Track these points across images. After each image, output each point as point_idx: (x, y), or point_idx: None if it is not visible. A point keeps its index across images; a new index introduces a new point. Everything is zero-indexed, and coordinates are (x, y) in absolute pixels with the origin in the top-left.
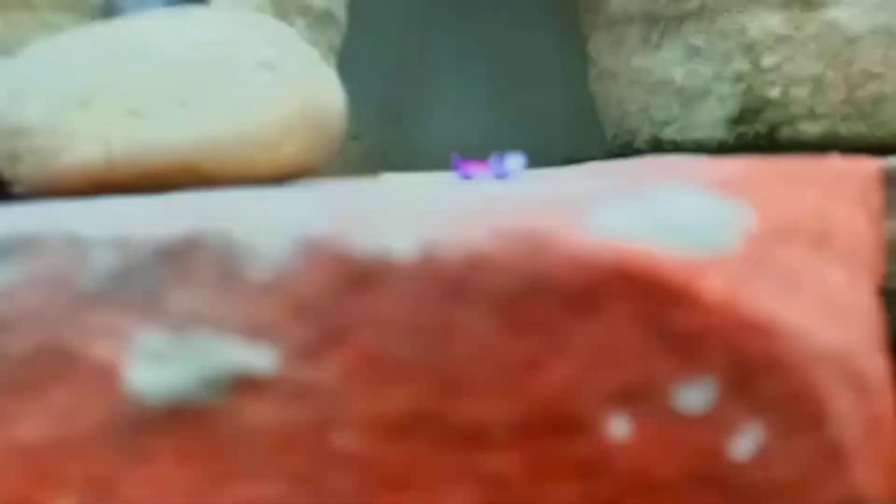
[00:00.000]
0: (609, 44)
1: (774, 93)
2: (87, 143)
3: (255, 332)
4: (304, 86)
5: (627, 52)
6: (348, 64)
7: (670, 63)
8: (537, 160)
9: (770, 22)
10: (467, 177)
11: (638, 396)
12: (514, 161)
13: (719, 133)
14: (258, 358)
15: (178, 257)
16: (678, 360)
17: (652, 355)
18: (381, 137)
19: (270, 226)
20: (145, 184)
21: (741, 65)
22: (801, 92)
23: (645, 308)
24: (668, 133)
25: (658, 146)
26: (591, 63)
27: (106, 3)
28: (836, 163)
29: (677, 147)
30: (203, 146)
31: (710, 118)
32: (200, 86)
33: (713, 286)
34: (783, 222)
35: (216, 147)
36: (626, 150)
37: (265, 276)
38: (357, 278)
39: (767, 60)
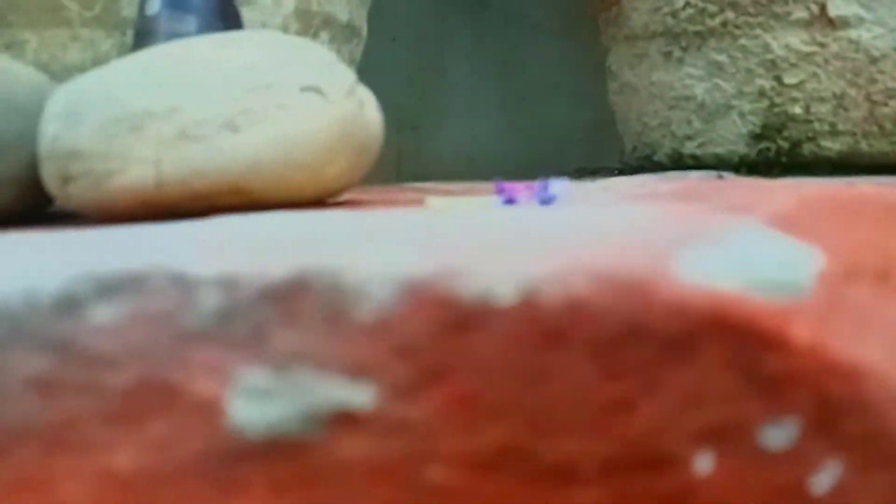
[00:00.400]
0: (630, 58)
1: (797, 110)
2: (139, 166)
3: (356, 370)
4: (346, 109)
5: (649, 67)
6: (364, 72)
7: (692, 79)
8: (548, 168)
9: (793, 40)
10: (511, 201)
11: (725, 435)
12: (559, 186)
13: (741, 149)
14: (358, 395)
15: (284, 298)
16: (765, 400)
17: (741, 396)
18: (395, 145)
19: (377, 269)
20: (193, 205)
21: (764, 82)
22: (823, 109)
23: (737, 352)
24: (689, 148)
25: (679, 160)
26: (611, 77)
27: (140, 23)
28: (886, 193)
29: (698, 161)
30: (251, 170)
31: (732, 134)
32: (248, 110)
33: (800, 330)
34: (849, 261)
35: (264, 171)
36: (645, 162)
37: (370, 318)
38: (458, 321)
39: (790, 78)
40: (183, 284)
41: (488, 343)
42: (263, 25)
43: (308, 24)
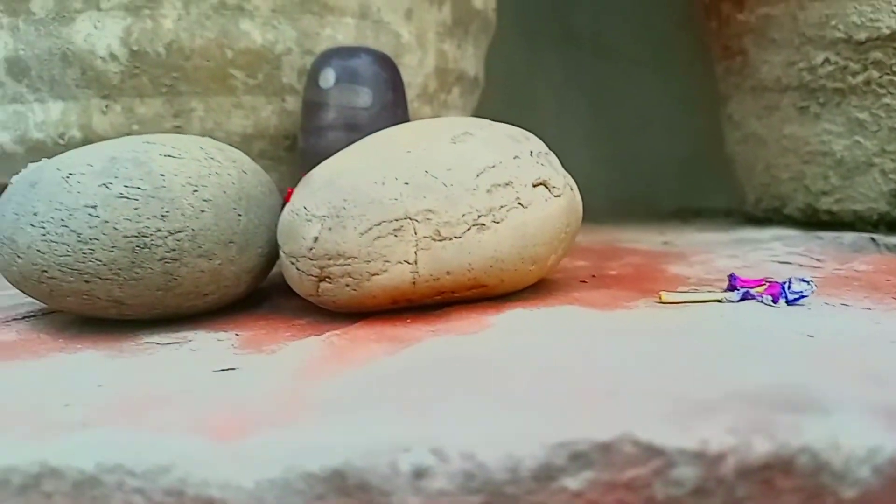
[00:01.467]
0: (758, 109)
1: None
2: (399, 266)
3: None
4: (567, 198)
5: (780, 119)
6: None
7: (830, 135)
8: (642, 208)
9: None
10: (747, 297)
11: None
12: (803, 284)
13: (881, 206)
14: None
15: (765, 476)
16: None
17: None
18: None
19: (860, 452)
20: (434, 298)
21: None
22: None
23: None
24: (825, 203)
25: (812, 215)
26: (731, 125)
27: (314, 94)
28: None
29: (833, 217)
30: (493, 265)
31: (872, 191)
32: (492, 209)
33: None
34: None
35: (504, 265)
36: (773, 214)
37: (848, 496)
38: None
39: None
40: (655, 455)
41: None
42: (408, 85)
43: (445, 80)
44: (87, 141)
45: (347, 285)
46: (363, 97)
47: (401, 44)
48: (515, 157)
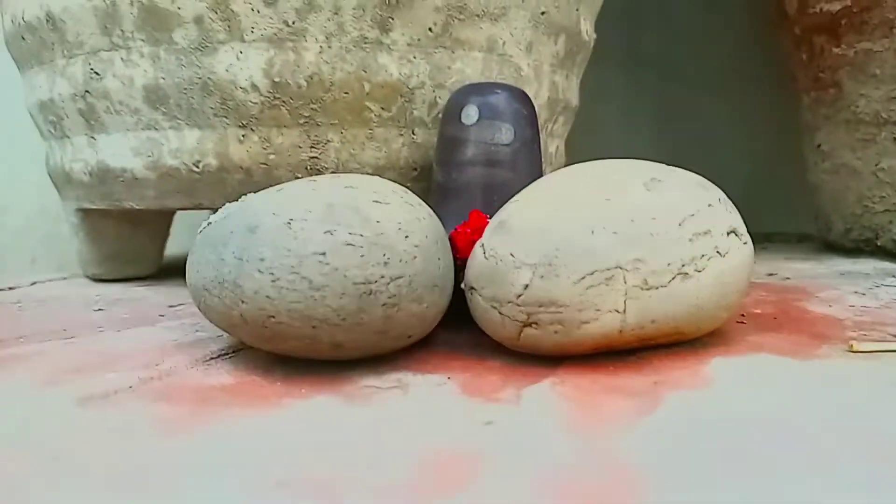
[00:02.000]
0: (852, 142)
1: None
2: (608, 315)
3: None
4: (750, 246)
5: (876, 152)
6: None
7: None
8: None
9: None
10: None
11: None
12: None
13: None
14: None
15: None
16: None
17: None
18: None
19: None
20: (634, 345)
21: None
22: None
23: None
24: None
25: None
26: (819, 155)
27: (456, 130)
28: None
29: None
30: (693, 313)
31: None
32: (695, 258)
33: None
34: None
35: (702, 313)
36: (864, 245)
37: None
38: None
39: None
40: None
41: None
42: None
43: (553, 110)
44: (222, 169)
45: (556, 332)
46: (505, 133)
47: (521, 76)
48: (709, 206)
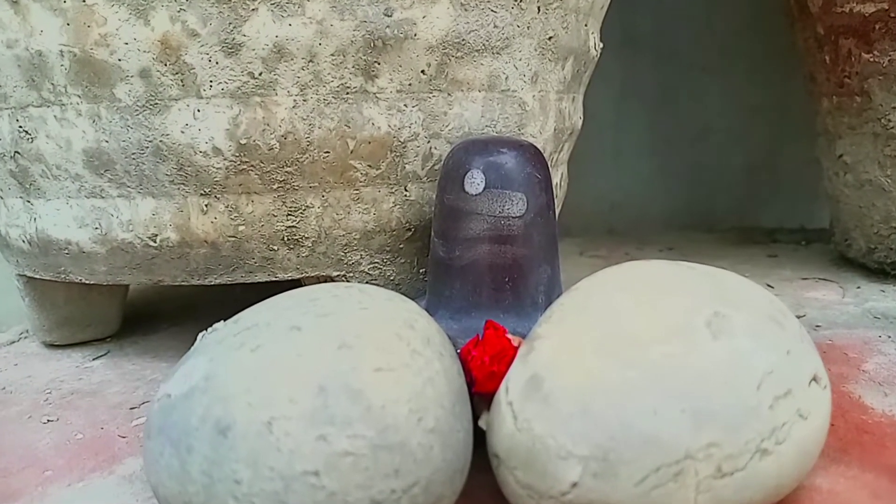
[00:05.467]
0: (880, 157)
1: None
2: None
3: None
4: (828, 388)
5: None
6: None
7: None
8: (703, 223)
9: None
10: None
11: None
12: None
13: None
14: None
15: None
16: None
17: None
18: None
19: None
20: None
21: None
22: None
23: None
24: None
25: None
26: (841, 166)
27: (459, 201)
28: None
29: None
30: (774, 492)
31: None
32: (775, 428)
33: None
34: None
35: (781, 490)
36: (891, 269)
37: None
38: None
39: None
40: None
41: None
42: None
43: (559, 140)
44: (183, 244)
45: None
46: (517, 205)
47: (525, 112)
48: (788, 353)
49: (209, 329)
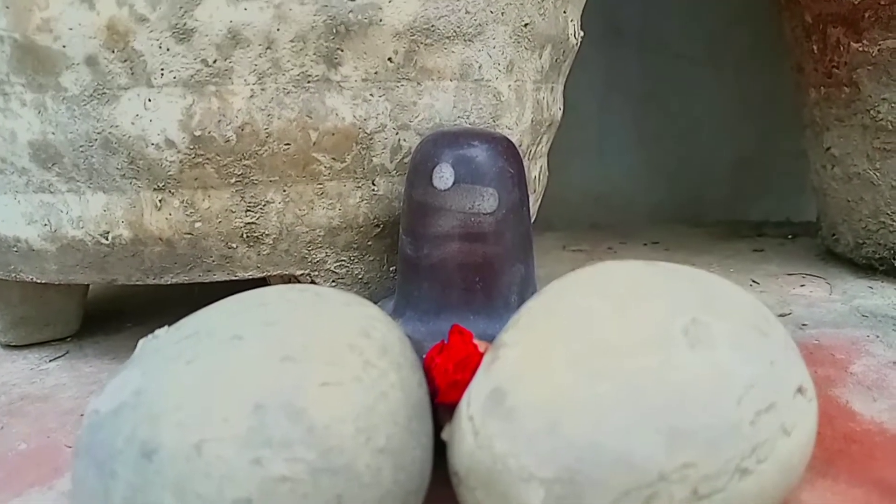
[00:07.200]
0: (869, 150)
1: None
2: None
3: None
4: (814, 401)
5: None
6: None
7: None
8: (685, 210)
9: None
10: None
11: None
12: None
13: None
14: None
15: None
16: None
17: None
18: None
19: None
20: None
21: None
22: None
23: None
24: None
25: None
26: (829, 159)
27: (427, 196)
28: None
29: None
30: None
31: None
32: (756, 446)
33: None
34: None
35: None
36: (879, 265)
37: None
38: None
39: None
40: None
41: None
42: None
43: (537, 132)
44: (137, 241)
45: None
46: (487, 200)
47: (500, 103)
48: (771, 364)
49: (150, 335)
